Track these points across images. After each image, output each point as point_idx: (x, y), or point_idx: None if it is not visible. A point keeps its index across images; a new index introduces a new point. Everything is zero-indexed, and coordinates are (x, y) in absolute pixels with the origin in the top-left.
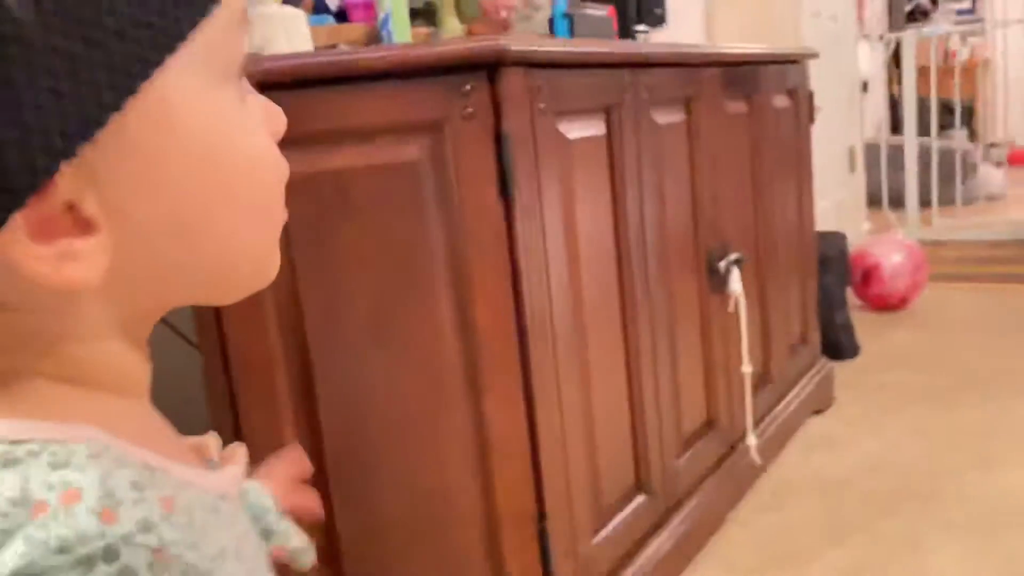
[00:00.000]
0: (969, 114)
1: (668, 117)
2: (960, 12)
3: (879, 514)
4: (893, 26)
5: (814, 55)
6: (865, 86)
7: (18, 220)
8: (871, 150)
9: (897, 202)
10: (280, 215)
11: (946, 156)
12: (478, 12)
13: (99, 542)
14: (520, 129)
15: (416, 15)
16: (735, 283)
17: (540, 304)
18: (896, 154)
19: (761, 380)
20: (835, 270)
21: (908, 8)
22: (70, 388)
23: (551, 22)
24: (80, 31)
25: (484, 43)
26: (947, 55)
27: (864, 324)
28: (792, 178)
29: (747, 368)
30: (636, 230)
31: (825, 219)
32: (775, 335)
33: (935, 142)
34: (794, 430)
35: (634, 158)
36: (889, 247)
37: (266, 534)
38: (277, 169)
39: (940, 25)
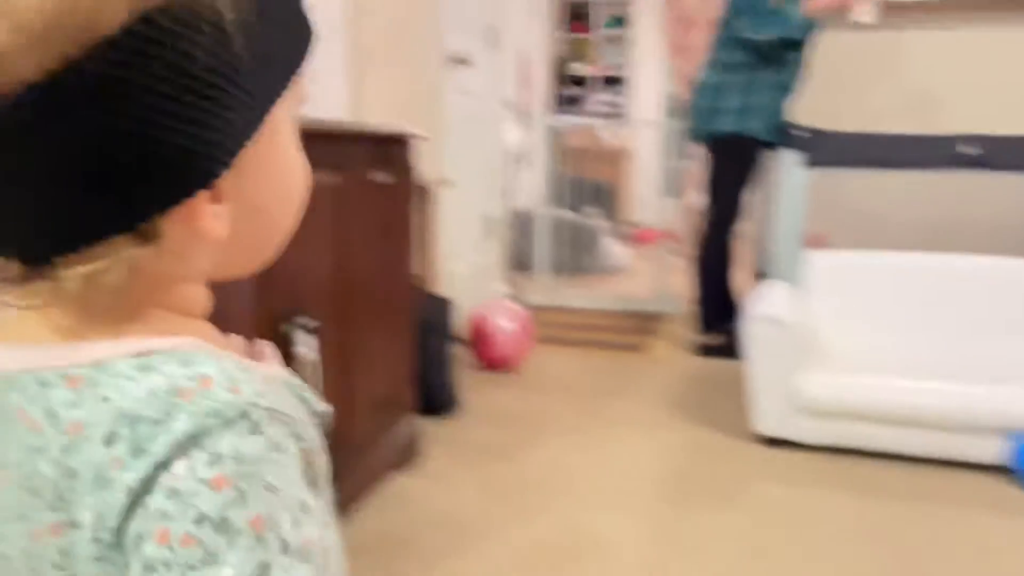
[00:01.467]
0: (610, 196)
1: None
2: (604, 103)
3: (428, 570)
4: (557, 110)
5: (424, 137)
6: (518, 160)
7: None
8: (519, 219)
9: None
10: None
11: (578, 231)
12: None
13: (235, 408)
14: None
15: None
16: (303, 347)
17: None
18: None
19: (340, 439)
20: (438, 333)
21: (567, 94)
22: (176, 315)
23: None
24: (259, 62)
25: None
26: (598, 141)
27: (475, 384)
28: (390, 248)
29: None
30: None
31: (461, 281)
32: (358, 395)
33: (555, 213)
34: (373, 487)
35: None
36: (499, 312)
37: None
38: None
39: (584, 117)
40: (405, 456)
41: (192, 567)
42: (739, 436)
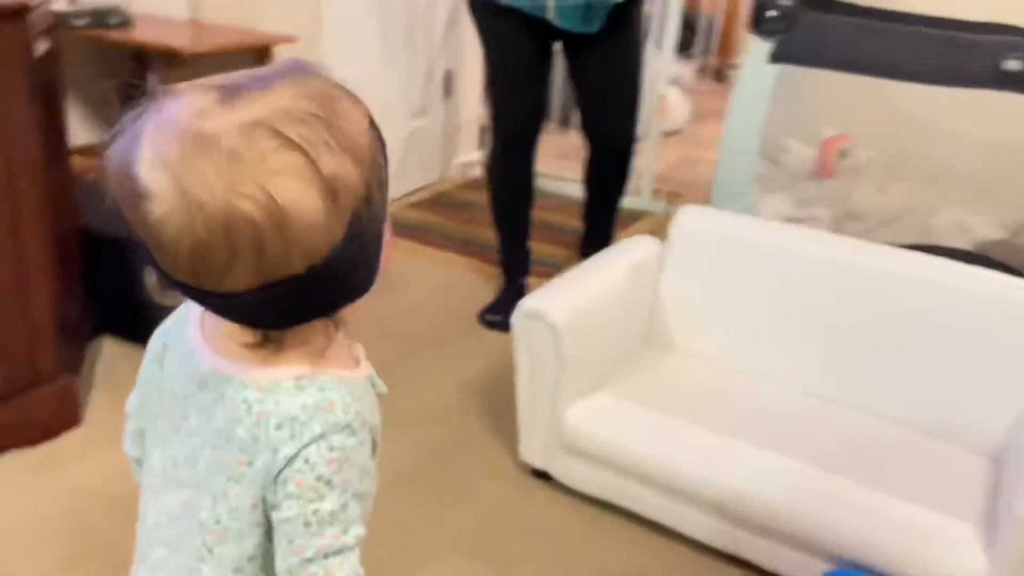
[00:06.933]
0: None
1: None
2: None
3: None
4: None
5: None
6: None
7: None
8: None
9: None
10: None
11: None
12: None
13: (344, 423)
14: None
15: None
16: None
17: None
18: None
19: None
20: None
21: None
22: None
23: None
24: (374, 258)
25: None
26: None
27: None
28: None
29: None
30: None
31: None
32: None
33: None
34: None
35: None
36: None
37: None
38: None
39: None
40: (54, 419)
41: (310, 500)
42: (512, 455)
